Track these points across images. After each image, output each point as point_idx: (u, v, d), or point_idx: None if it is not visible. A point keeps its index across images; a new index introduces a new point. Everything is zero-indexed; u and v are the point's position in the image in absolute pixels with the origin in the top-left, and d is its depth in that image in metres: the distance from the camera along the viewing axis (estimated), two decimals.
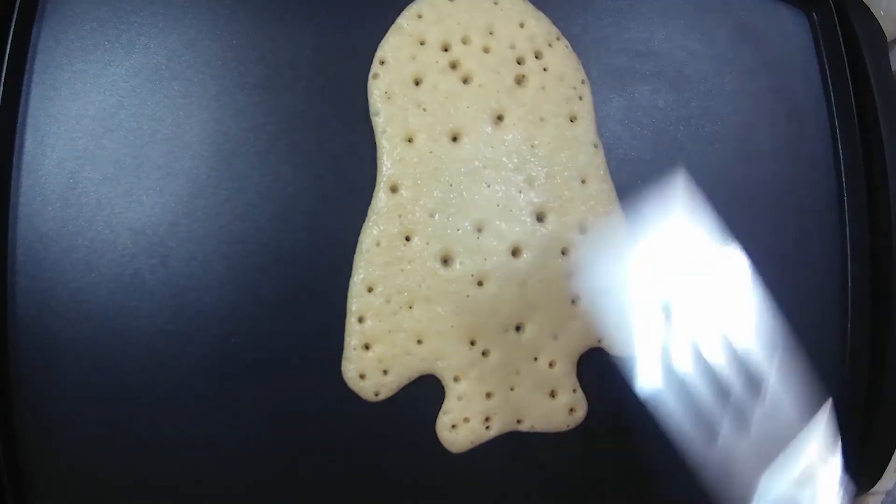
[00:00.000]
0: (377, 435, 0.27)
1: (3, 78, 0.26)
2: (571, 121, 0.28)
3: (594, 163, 0.28)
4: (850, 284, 0.31)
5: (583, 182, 0.27)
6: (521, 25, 0.28)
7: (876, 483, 0.31)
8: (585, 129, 0.28)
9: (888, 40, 0.33)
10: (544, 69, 0.28)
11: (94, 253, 0.26)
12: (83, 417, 0.26)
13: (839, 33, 0.32)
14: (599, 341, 0.28)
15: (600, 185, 0.28)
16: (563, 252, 0.27)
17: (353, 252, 0.26)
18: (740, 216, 0.30)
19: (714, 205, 0.30)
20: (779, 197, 0.31)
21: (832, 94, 0.32)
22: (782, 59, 0.32)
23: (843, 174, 0.32)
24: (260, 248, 0.26)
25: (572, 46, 0.29)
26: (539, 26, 0.28)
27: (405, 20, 0.27)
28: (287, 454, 0.26)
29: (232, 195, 0.26)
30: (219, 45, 0.27)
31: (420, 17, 0.27)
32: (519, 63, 0.28)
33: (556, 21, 0.29)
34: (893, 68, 0.33)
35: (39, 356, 0.26)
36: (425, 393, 0.27)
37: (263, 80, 0.27)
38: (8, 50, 0.26)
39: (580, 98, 0.28)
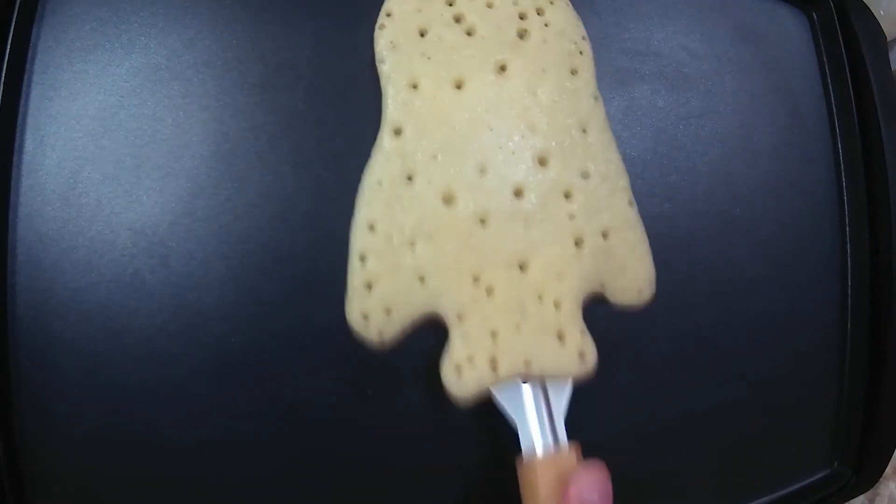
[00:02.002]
0: (378, 435, 0.27)
1: (3, 78, 0.26)
2: (573, 73, 0.28)
3: (595, 113, 0.28)
4: (849, 284, 0.31)
5: (584, 131, 0.28)
6: None
7: (876, 483, 0.31)
8: (586, 82, 0.28)
9: (888, 40, 0.33)
10: (546, 24, 0.28)
11: (94, 253, 0.26)
12: (83, 417, 0.26)
13: (839, 33, 0.32)
14: (603, 286, 0.27)
15: (601, 134, 0.28)
16: (566, 196, 0.27)
17: None
18: (740, 216, 0.30)
19: (714, 205, 0.30)
20: (779, 197, 0.31)
21: (832, 94, 0.32)
22: (782, 59, 0.32)
23: (843, 174, 0.32)
24: (260, 248, 0.26)
25: None
26: None
27: None
28: (287, 454, 0.26)
29: (232, 195, 0.26)
30: (219, 45, 0.27)
31: None
32: (521, 18, 0.28)
33: None
34: (893, 68, 0.33)
35: (39, 356, 0.26)
36: (430, 391, 0.27)
37: (263, 80, 0.27)
38: (8, 50, 0.26)
39: (581, 53, 0.29)
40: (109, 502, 0.26)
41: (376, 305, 0.26)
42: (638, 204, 0.29)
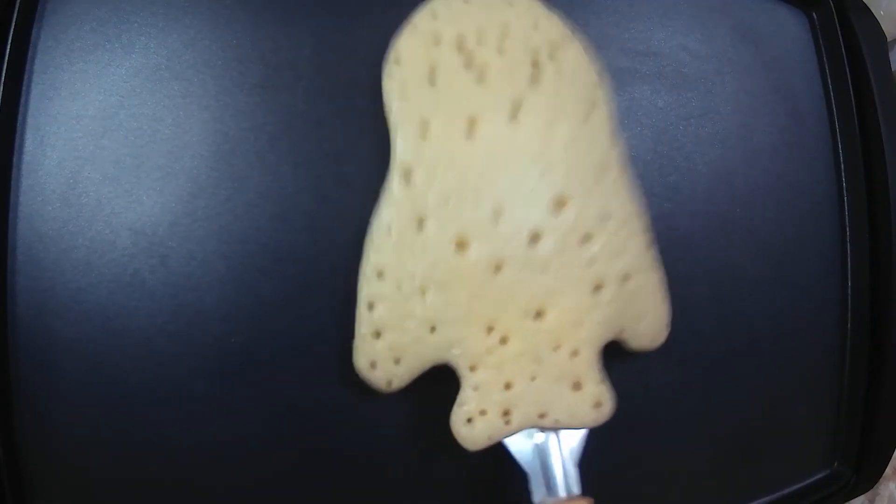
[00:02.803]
0: (378, 436, 0.27)
1: (3, 78, 0.26)
2: (591, 111, 0.27)
3: (613, 153, 0.27)
4: (850, 284, 0.31)
5: (603, 171, 0.26)
6: (535, 26, 0.27)
7: (875, 483, 0.31)
8: (605, 118, 0.27)
9: (888, 40, 0.33)
10: (560, 66, 0.27)
11: (94, 253, 0.26)
12: (83, 417, 0.26)
13: (839, 33, 0.32)
14: (622, 332, 0.27)
15: (620, 174, 0.27)
16: (585, 240, 0.26)
17: (354, 252, 0.26)
18: (740, 216, 0.30)
19: (714, 205, 0.30)
20: (779, 197, 0.31)
21: (832, 94, 0.32)
22: (782, 59, 0.32)
23: (843, 174, 0.32)
24: (260, 248, 0.26)
25: None
26: (553, 27, 0.28)
27: (420, 19, 0.27)
28: (287, 454, 0.26)
29: (232, 195, 0.26)
30: (219, 45, 0.27)
31: (435, 16, 0.27)
32: (534, 60, 0.27)
33: None
34: (893, 68, 0.33)
35: (39, 356, 0.26)
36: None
37: (263, 80, 0.27)
38: (8, 50, 0.26)
39: (599, 88, 0.27)
40: (109, 502, 0.26)
41: (385, 355, 0.25)
42: None
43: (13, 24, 0.26)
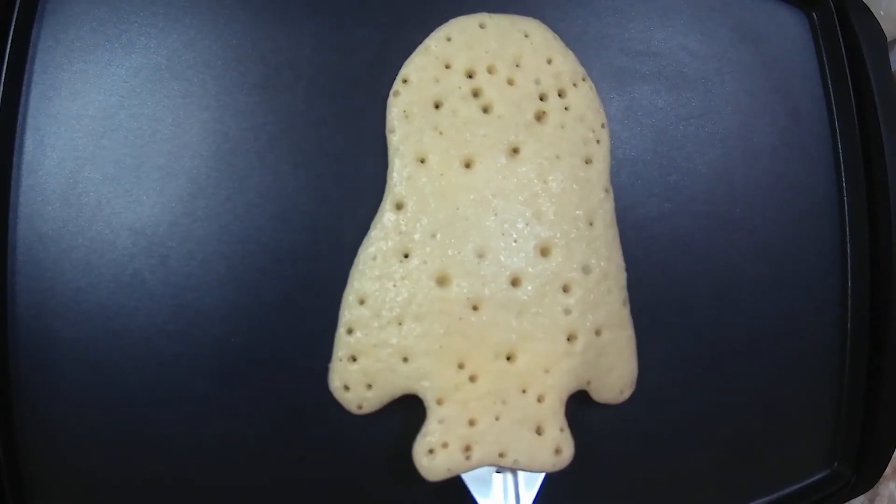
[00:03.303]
0: (378, 436, 0.27)
1: (3, 78, 0.26)
2: (586, 163, 0.27)
3: (604, 206, 0.27)
4: (849, 284, 0.31)
5: (590, 224, 0.27)
6: (549, 61, 0.28)
7: (875, 483, 0.31)
8: (599, 172, 0.28)
9: (888, 40, 0.33)
10: (566, 108, 0.28)
11: (94, 253, 0.26)
12: (83, 417, 0.26)
13: (839, 33, 0.32)
14: (588, 383, 0.27)
15: (607, 228, 0.27)
16: (564, 289, 0.27)
17: (353, 252, 0.26)
18: (740, 216, 0.30)
19: (714, 205, 0.30)
20: (779, 197, 0.31)
21: (832, 94, 0.32)
22: (782, 59, 0.32)
23: (843, 174, 0.32)
24: (260, 248, 0.26)
25: (572, 46, 0.29)
26: (566, 64, 0.28)
27: (433, 42, 0.27)
28: (287, 454, 0.26)
29: (232, 195, 0.26)
30: (219, 45, 0.27)
31: (449, 40, 0.27)
32: (541, 99, 0.27)
33: (555, 21, 0.29)
34: (893, 68, 0.33)
35: (39, 356, 0.26)
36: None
37: (263, 80, 0.27)
38: (8, 50, 0.26)
39: (598, 142, 0.28)
40: (109, 502, 0.26)
41: (358, 379, 0.26)
42: (638, 204, 0.29)
43: (13, 24, 0.26)
